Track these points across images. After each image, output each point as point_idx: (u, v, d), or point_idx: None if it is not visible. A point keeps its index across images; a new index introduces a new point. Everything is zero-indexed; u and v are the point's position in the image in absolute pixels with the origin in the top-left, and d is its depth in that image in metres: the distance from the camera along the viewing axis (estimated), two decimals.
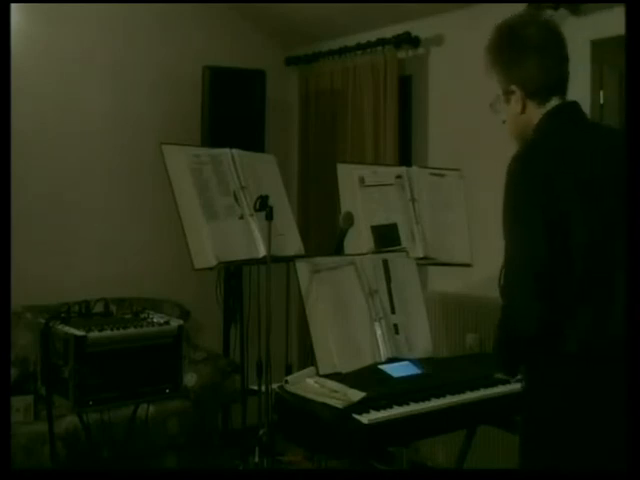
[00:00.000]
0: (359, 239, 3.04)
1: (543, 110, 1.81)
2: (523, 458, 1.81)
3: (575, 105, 1.84)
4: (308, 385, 2.34)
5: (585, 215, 1.68)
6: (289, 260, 2.79)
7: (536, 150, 1.76)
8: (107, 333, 2.49)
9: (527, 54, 1.80)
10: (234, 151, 3.08)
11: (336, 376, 2.40)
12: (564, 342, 1.70)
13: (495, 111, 1.91)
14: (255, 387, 2.90)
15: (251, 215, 2.95)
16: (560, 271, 1.67)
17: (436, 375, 2.53)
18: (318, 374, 2.42)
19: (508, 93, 1.84)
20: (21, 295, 3.31)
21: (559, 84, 1.83)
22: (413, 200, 3.23)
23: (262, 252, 2.88)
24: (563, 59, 1.84)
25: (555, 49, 1.83)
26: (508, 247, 1.72)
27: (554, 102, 1.81)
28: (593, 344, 1.69)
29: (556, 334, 1.69)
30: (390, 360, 2.60)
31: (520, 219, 1.72)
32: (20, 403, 3.29)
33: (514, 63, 1.82)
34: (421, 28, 4.18)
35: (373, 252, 2.94)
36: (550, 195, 1.67)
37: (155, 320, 2.70)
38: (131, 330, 2.56)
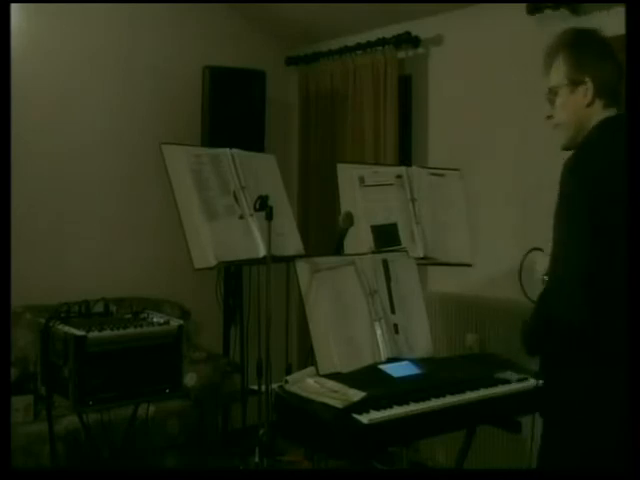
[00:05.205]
0: (359, 239, 3.04)
1: (606, 113, 1.82)
2: (542, 456, 1.85)
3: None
4: (308, 385, 2.34)
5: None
6: (289, 260, 2.79)
7: (591, 155, 1.77)
8: (107, 333, 2.49)
9: (607, 54, 1.84)
10: (234, 151, 3.09)
11: (336, 376, 2.40)
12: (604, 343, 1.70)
13: (549, 101, 1.91)
14: (255, 387, 2.90)
15: (251, 215, 2.95)
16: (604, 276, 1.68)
17: (436, 375, 2.53)
18: (318, 374, 2.42)
19: (577, 83, 1.84)
20: (21, 295, 3.31)
21: (619, 95, 1.85)
22: (413, 200, 3.23)
23: (262, 252, 2.88)
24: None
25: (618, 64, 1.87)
26: (558, 246, 1.75)
27: (615, 110, 1.83)
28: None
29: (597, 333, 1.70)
30: (390, 360, 2.60)
31: (569, 220, 1.74)
32: (20, 403, 3.28)
33: (592, 56, 1.84)
34: (421, 28, 4.17)
35: (373, 252, 2.94)
36: (598, 201, 1.69)
37: (155, 320, 2.71)
38: (131, 330, 2.56)
